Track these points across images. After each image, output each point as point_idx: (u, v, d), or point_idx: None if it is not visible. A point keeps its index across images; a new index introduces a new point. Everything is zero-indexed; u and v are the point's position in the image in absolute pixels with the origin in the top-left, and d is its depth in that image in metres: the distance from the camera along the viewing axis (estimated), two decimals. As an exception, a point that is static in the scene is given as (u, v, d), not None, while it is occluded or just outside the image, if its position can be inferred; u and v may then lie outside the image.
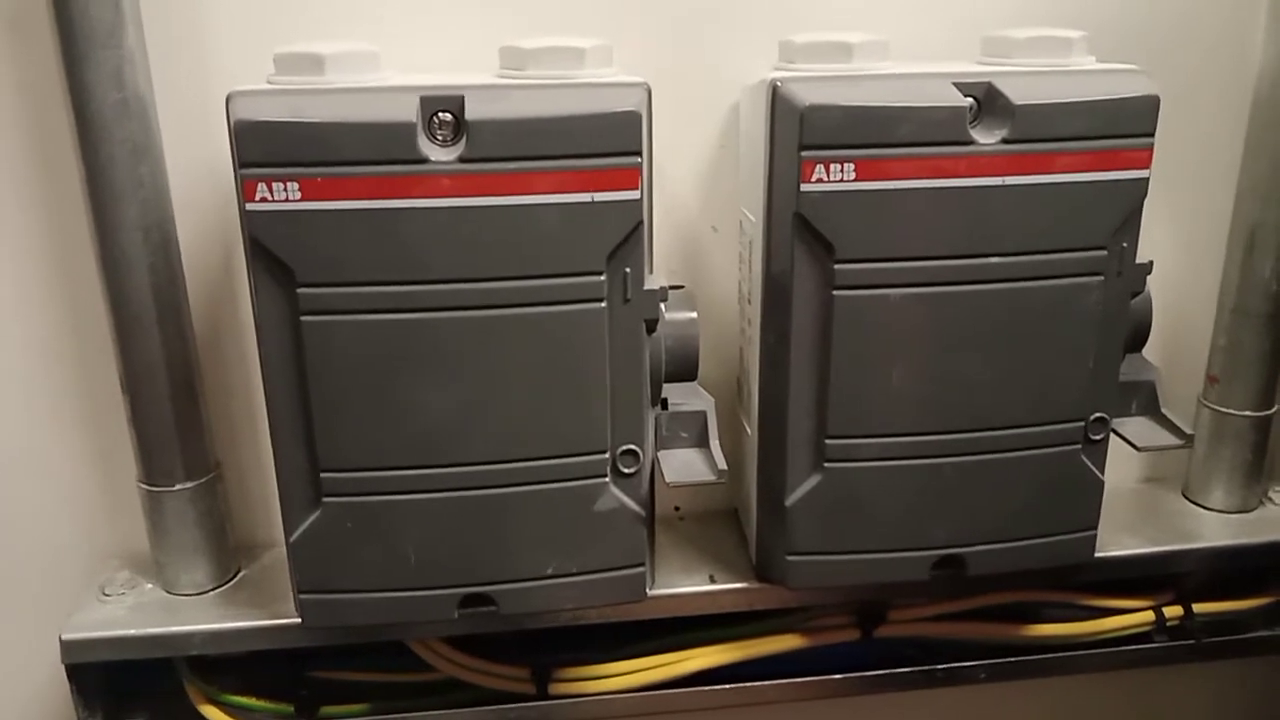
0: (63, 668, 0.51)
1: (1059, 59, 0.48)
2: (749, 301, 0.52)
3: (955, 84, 0.45)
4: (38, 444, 0.55)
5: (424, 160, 0.41)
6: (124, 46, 0.46)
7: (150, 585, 0.55)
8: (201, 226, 0.52)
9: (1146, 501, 0.63)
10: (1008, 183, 0.45)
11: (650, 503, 0.50)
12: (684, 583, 0.54)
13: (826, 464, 0.49)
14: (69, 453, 0.56)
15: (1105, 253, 0.47)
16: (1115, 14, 0.55)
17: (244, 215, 0.42)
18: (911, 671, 0.58)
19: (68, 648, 0.51)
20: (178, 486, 0.52)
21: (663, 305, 0.46)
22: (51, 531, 0.57)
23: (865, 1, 0.53)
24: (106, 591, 0.54)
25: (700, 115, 0.54)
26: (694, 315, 0.49)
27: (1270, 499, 0.62)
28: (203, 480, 0.52)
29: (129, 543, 0.56)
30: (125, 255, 0.48)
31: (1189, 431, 0.51)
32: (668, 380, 0.49)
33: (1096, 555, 0.53)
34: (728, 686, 0.56)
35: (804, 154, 0.44)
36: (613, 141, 0.42)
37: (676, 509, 0.61)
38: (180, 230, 0.50)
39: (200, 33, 0.50)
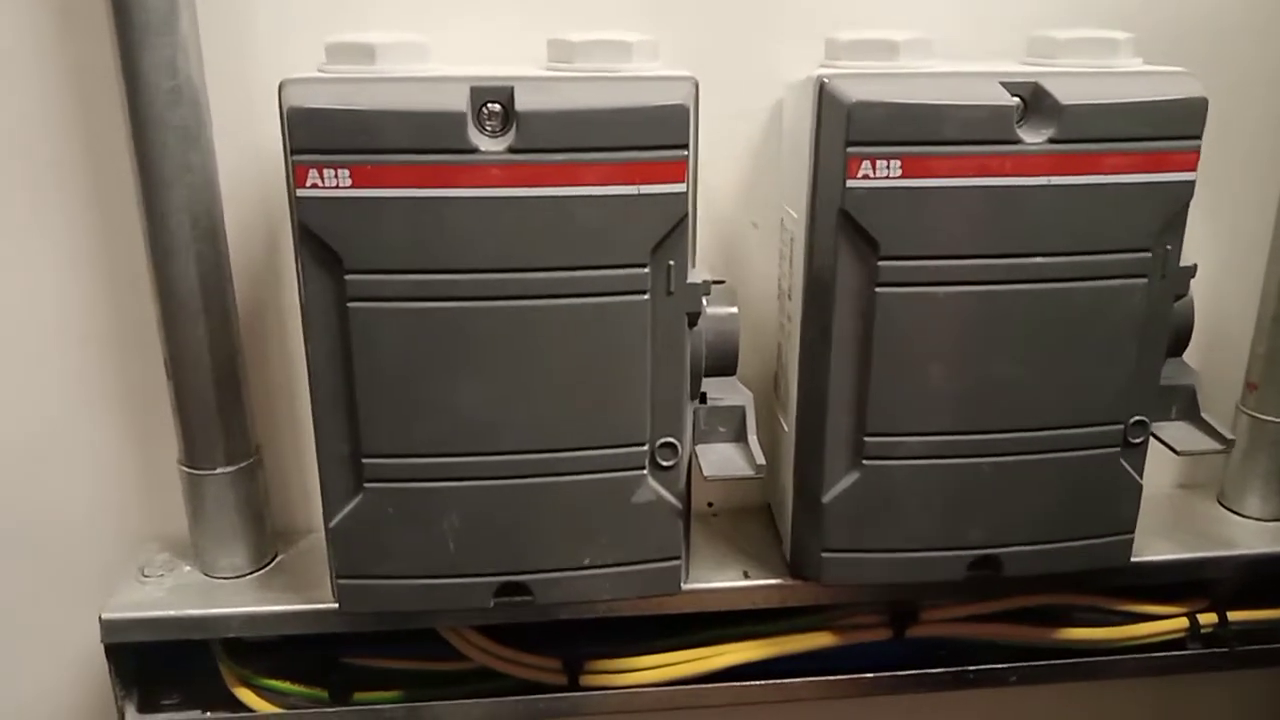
0: (101, 647, 0.52)
1: (1106, 60, 0.48)
2: (789, 298, 0.52)
3: (1002, 83, 0.45)
4: (82, 427, 0.56)
5: (473, 150, 0.42)
6: (178, 35, 0.46)
7: (188, 568, 0.55)
8: (247, 213, 0.52)
9: (1182, 507, 0.63)
10: (1053, 183, 0.45)
11: (687, 496, 0.50)
12: (718, 578, 0.54)
13: (865, 461, 0.49)
14: (112, 436, 0.56)
15: (1150, 255, 0.47)
16: (1161, 16, 0.55)
17: (294, 201, 0.42)
18: (942, 672, 0.58)
19: (107, 627, 0.52)
20: (219, 470, 0.52)
21: (704, 299, 0.47)
22: (93, 513, 0.58)
23: (909, 1, 0.53)
24: (146, 573, 0.55)
25: (743, 112, 0.54)
26: (735, 310, 0.50)
27: (1308, 508, 0.62)
28: (243, 465, 0.53)
29: (169, 525, 0.57)
30: (173, 241, 0.48)
31: (1230, 436, 0.51)
32: (707, 374, 0.49)
33: (1132, 560, 0.53)
34: (758, 683, 0.56)
35: (850, 150, 0.44)
36: (660, 134, 0.43)
37: (709, 504, 0.61)
38: (227, 218, 0.51)
39: (251, 21, 0.50)
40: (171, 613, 0.52)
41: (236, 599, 0.53)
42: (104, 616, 0.51)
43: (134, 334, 0.54)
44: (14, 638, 0.60)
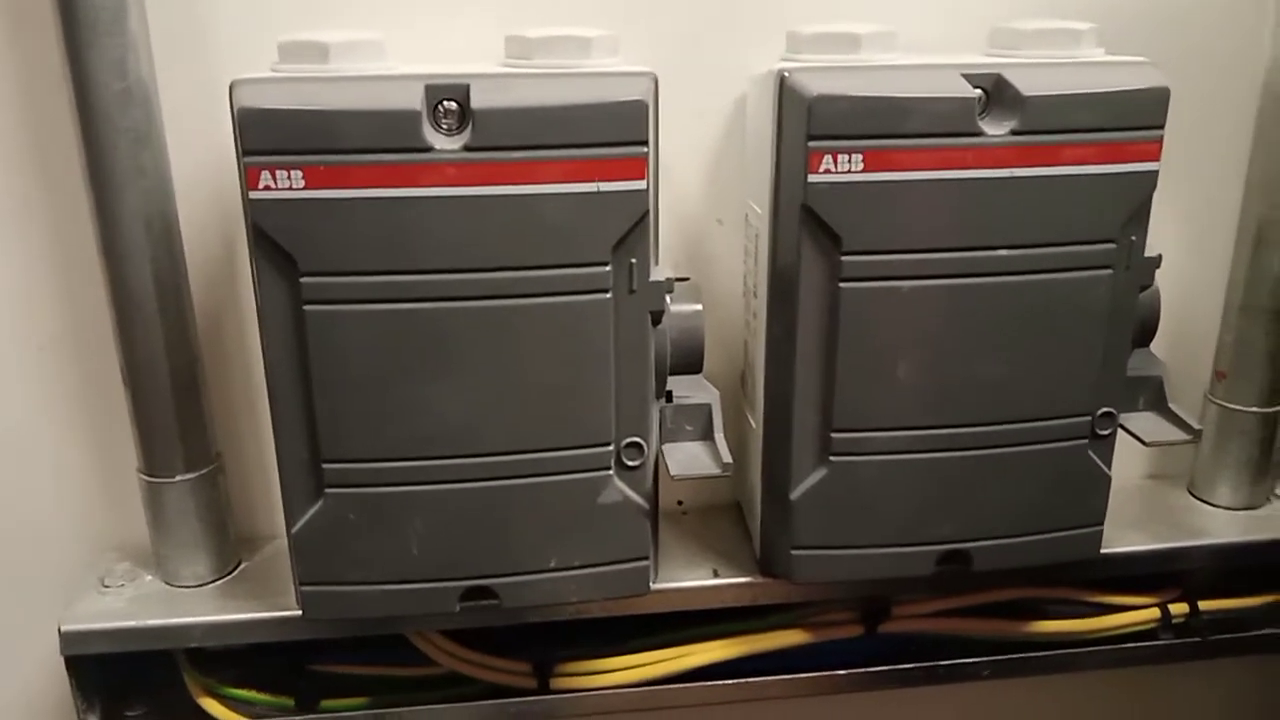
0: (61, 659, 0.51)
1: (1068, 51, 0.48)
2: (754, 294, 0.51)
3: (964, 75, 0.45)
4: (38, 434, 0.55)
5: (429, 149, 0.41)
6: (127, 34, 0.45)
7: (150, 577, 0.54)
8: (203, 215, 0.52)
9: (1152, 498, 0.62)
10: (1016, 174, 0.45)
11: (654, 496, 0.49)
12: (687, 577, 0.54)
13: (832, 458, 0.48)
14: (69, 443, 0.55)
15: (1114, 246, 0.47)
16: (1123, 5, 0.54)
17: (247, 204, 0.41)
18: (915, 668, 0.57)
19: (67, 639, 0.51)
20: (178, 478, 0.51)
21: (668, 297, 0.46)
22: (51, 522, 0.56)
23: (873, -8, 0.53)
24: (106, 583, 0.54)
25: (705, 107, 0.54)
26: (699, 308, 0.49)
27: (1277, 495, 0.62)
28: (204, 471, 0.52)
29: (129, 534, 0.56)
30: (127, 245, 0.48)
31: (1197, 426, 0.51)
32: (672, 373, 0.49)
33: (1102, 552, 0.53)
34: (730, 682, 0.56)
35: (811, 145, 0.44)
36: (619, 131, 0.42)
37: (679, 503, 0.60)
38: (181, 219, 0.50)
39: (202, 20, 0.49)
40: (132, 623, 0.51)
41: (199, 608, 0.52)
42: (63, 628, 0.51)
43: (92, 340, 0.53)
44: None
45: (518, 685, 0.55)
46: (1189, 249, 0.59)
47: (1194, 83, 0.55)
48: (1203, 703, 0.71)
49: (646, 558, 0.49)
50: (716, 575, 0.54)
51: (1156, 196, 0.47)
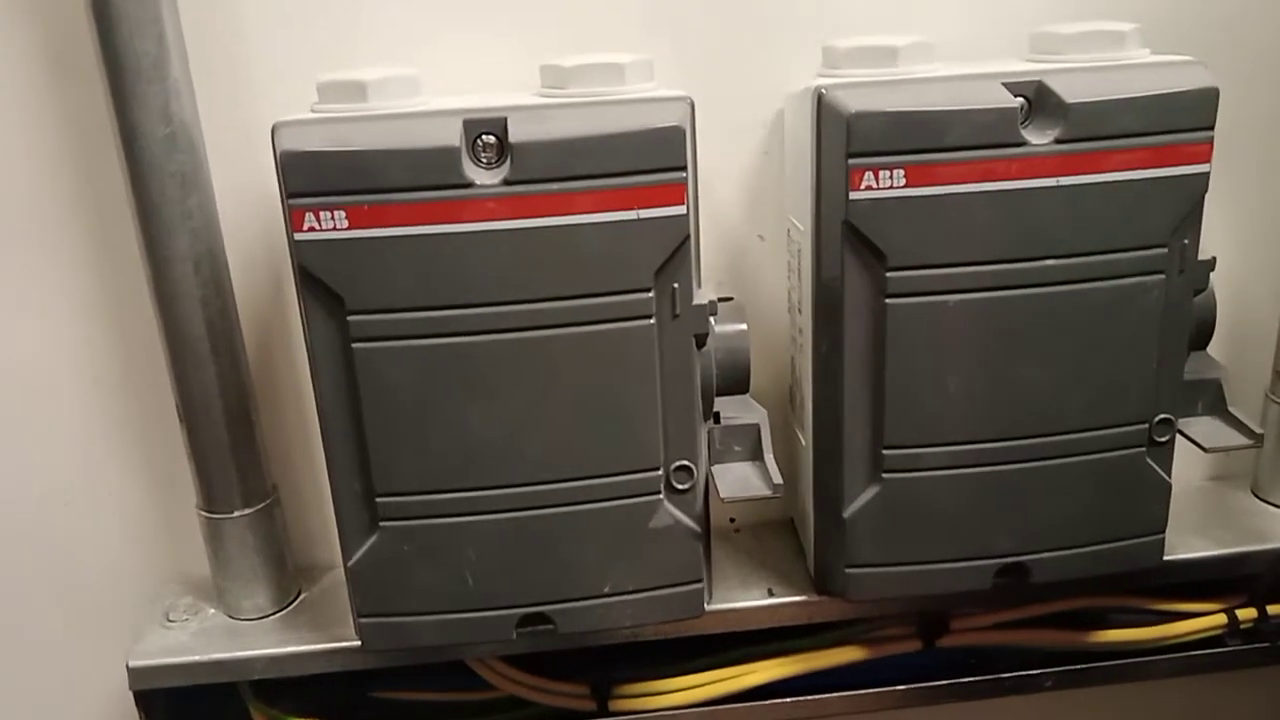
0: (130, 694, 0.52)
1: (1111, 53, 0.47)
2: (799, 310, 0.51)
3: (1004, 84, 0.44)
4: (99, 474, 0.56)
5: (469, 184, 0.41)
6: (169, 79, 0.46)
7: (213, 610, 0.55)
8: (251, 255, 0.52)
9: (1214, 501, 0.61)
10: (1062, 183, 0.44)
11: (705, 518, 0.49)
12: (742, 597, 0.54)
13: (885, 474, 0.48)
14: (130, 482, 0.56)
15: (1166, 250, 0.46)
16: (1167, 4, 0.53)
17: (293, 245, 0.42)
18: (976, 681, 0.57)
19: (135, 674, 0.52)
20: (236, 513, 0.52)
21: (712, 319, 0.46)
22: (115, 559, 0.58)
23: (908, 3, 0.52)
24: (170, 618, 0.55)
25: (743, 124, 0.54)
26: (744, 327, 0.49)
27: (1345, 495, 0.60)
28: (261, 506, 0.53)
29: (191, 568, 0.57)
30: (177, 287, 0.48)
31: (1258, 430, 0.50)
32: (719, 394, 0.49)
33: (1165, 559, 0.52)
34: (789, 700, 0.55)
35: (852, 162, 0.43)
36: (657, 158, 0.42)
37: (731, 520, 0.60)
38: (230, 259, 0.51)
39: (243, 61, 0.50)
40: (198, 657, 0.52)
41: (261, 641, 0.53)
42: (131, 664, 0.51)
43: (147, 380, 0.54)
44: (43, 684, 0.60)
45: (577, 708, 0.55)
46: (1244, 249, 0.57)
47: (1243, 78, 0.54)
48: (1272, 710, 0.69)
49: (700, 580, 0.49)
50: (771, 595, 0.54)
51: (1208, 198, 0.46)
